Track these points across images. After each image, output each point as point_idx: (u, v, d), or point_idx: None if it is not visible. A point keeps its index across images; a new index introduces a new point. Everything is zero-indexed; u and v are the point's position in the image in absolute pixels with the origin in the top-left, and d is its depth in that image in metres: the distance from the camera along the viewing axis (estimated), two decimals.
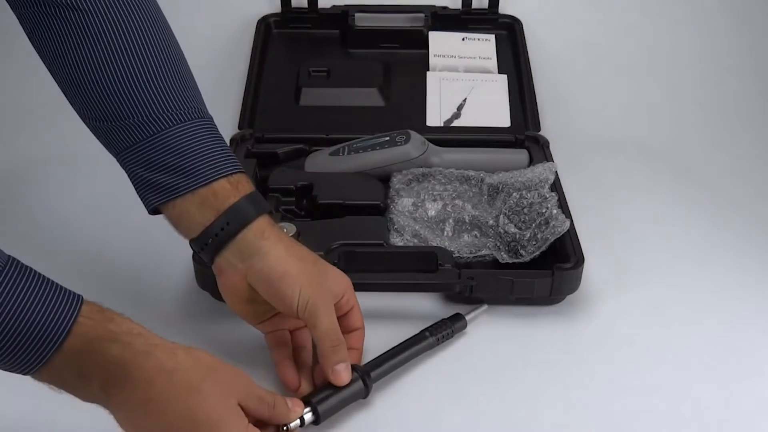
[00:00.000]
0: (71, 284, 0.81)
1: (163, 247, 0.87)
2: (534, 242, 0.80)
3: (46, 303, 0.56)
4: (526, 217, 0.82)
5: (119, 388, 0.57)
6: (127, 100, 0.66)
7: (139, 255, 0.86)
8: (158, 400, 0.58)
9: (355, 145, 0.93)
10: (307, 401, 0.65)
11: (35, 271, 0.58)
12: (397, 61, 1.10)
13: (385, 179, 0.90)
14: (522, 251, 0.80)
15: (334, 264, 0.78)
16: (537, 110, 1.02)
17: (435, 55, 1.10)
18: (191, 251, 0.78)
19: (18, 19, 0.69)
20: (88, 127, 0.70)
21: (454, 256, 0.80)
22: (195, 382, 0.58)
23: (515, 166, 0.91)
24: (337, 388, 0.66)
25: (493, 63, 1.09)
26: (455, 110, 1.03)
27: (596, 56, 1.15)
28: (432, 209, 0.86)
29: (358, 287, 0.79)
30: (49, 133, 1.04)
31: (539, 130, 1.00)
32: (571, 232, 0.80)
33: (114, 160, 1.01)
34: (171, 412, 0.58)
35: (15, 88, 1.08)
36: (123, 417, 0.59)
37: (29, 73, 1.12)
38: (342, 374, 0.66)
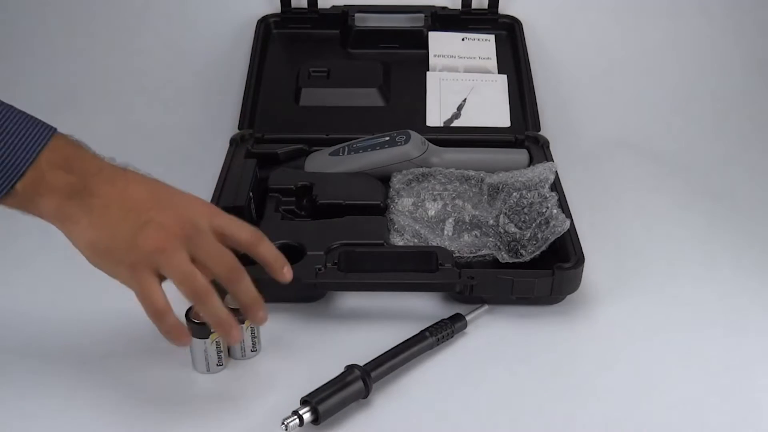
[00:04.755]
0: (71, 283, 0.82)
1: None
2: (534, 242, 0.80)
3: (26, 118, 0.62)
4: (527, 217, 0.82)
5: (90, 188, 0.62)
6: None
7: None
8: (127, 187, 0.64)
9: (355, 145, 0.93)
10: (306, 401, 0.65)
11: None
12: (397, 61, 1.10)
13: (385, 179, 0.90)
14: (522, 251, 0.80)
15: (335, 265, 0.78)
16: (537, 110, 1.02)
17: (435, 55, 1.10)
18: None
19: None
20: None
21: (454, 255, 0.80)
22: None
23: (515, 166, 0.91)
24: (337, 388, 0.66)
25: (492, 63, 1.09)
26: (455, 110, 1.03)
27: (596, 56, 1.15)
28: (432, 209, 0.86)
29: (358, 287, 0.80)
30: None
31: (539, 130, 1.00)
32: (572, 232, 0.80)
33: (111, 160, 1.01)
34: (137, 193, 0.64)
35: (13, 88, 1.08)
36: (86, 221, 0.62)
37: (28, 74, 1.13)
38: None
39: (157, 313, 0.62)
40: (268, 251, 0.67)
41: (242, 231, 0.66)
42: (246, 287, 0.64)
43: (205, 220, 0.64)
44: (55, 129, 0.63)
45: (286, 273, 0.68)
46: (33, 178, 0.61)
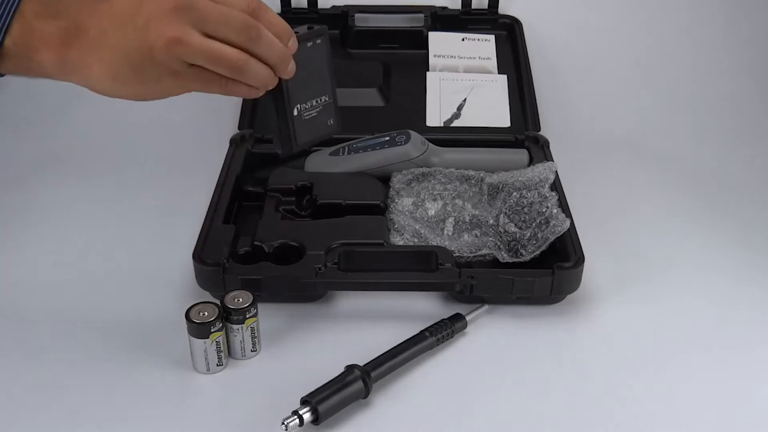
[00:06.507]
0: (71, 282, 0.82)
1: (163, 246, 0.87)
2: (534, 241, 0.80)
3: None
4: (527, 217, 0.82)
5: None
6: None
7: (139, 254, 0.86)
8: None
9: (355, 145, 0.93)
10: (307, 401, 0.65)
11: None
12: (397, 61, 1.10)
13: (385, 179, 0.90)
14: (522, 250, 0.80)
15: (335, 264, 0.78)
16: (537, 110, 1.02)
17: (435, 56, 1.10)
18: (191, 251, 0.78)
19: None
20: None
21: (454, 255, 0.80)
22: None
23: (515, 166, 0.91)
24: (337, 388, 0.66)
25: (492, 63, 1.09)
26: (455, 110, 1.03)
27: (596, 56, 1.15)
28: (432, 209, 0.86)
29: (358, 287, 0.80)
30: (48, 132, 1.04)
31: (539, 130, 1.00)
32: (572, 232, 0.80)
33: (111, 160, 1.01)
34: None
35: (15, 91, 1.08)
36: (95, 61, 0.59)
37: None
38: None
39: (238, 66, 0.60)
40: (273, 18, 0.64)
41: None
42: (269, 42, 0.61)
43: None
44: None
45: (291, 45, 0.65)
46: (21, 32, 0.59)
